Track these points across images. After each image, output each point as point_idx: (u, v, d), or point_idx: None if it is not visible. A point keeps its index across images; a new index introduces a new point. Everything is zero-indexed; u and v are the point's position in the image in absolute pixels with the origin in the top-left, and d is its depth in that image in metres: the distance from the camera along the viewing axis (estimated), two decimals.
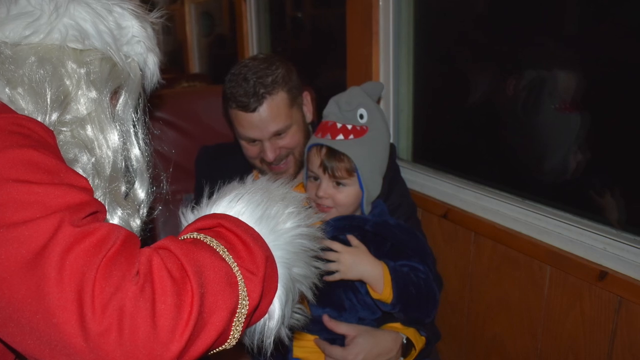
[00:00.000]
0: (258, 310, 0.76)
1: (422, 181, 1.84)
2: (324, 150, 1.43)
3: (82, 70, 0.86)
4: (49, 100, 0.81)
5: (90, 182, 0.82)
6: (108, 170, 0.88)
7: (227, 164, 1.68)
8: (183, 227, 0.83)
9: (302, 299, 0.89)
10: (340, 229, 1.41)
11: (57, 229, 0.62)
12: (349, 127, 1.43)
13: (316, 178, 1.45)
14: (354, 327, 1.39)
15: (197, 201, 0.87)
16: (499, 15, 1.69)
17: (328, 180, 1.43)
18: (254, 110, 1.48)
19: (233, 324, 0.70)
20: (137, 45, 0.94)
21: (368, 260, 1.35)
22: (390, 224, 1.45)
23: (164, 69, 1.06)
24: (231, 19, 3.73)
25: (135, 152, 0.98)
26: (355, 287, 1.40)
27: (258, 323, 0.79)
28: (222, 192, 0.86)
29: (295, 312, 0.87)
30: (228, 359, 1.08)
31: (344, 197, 1.43)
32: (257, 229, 0.79)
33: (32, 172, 0.65)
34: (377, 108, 1.50)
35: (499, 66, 1.70)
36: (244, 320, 0.71)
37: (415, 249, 1.44)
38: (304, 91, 1.64)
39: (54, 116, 0.82)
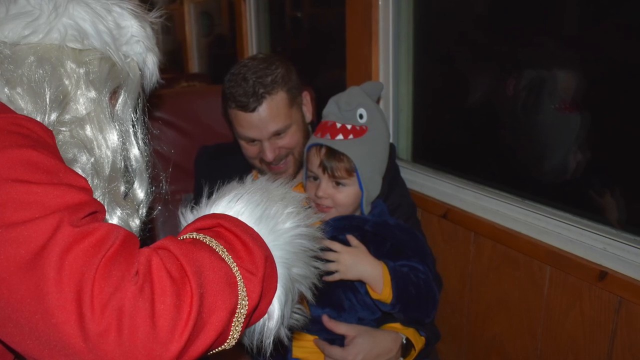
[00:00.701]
0: (257, 310, 0.76)
1: (422, 181, 1.84)
2: (323, 150, 1.42)
3: (81, 70, 0.85)
4: (48, 100, 0.81)
5: (89, 182, 0.82)
6: (107, 170, 0.88)
7: (227, 164, 1.68)
8: (182, 227, 0.83)
9: (302, 299, 0.89)
10: (339, 229, 1.41)
11: (56, 229, 0.61)
12: (349, 127, 1.43)
13: (316, 178, 1.45)
14: (354, 328, 1.39)
15: (197, 201, 0.87)
16: (499, 15, 1.68)
17: (327, 180, 1.42)
18: (253, 110, 1.48)
19: (232, 324, 0.70)
20: (137, 45, 0.94)
21: (367, 260, 1.34)
22: (390, 224, 1.45)
23: (163, 68, 1.06)
24: (231, 18, 3.73)
25: (135, 152, 0.98)
26: (355, 287, 1.40)
27: (257, 323, 0.79)
28: (222, 192, 0.86)
29: (295, 312, 0.87)
30: (228, 359, 1.08)
31: (343, 197, 1.43)
32: (256, 229, 0.79)
33: (31, 172, 0.65)
34: (376, 108, 1.50)
35: (499, 66, 1.69)
36: (243, 320, 0.71)
37: (415, 249, 1.44)
38: (303, 91, 1.64)
39: (53, 116, 0.82)
